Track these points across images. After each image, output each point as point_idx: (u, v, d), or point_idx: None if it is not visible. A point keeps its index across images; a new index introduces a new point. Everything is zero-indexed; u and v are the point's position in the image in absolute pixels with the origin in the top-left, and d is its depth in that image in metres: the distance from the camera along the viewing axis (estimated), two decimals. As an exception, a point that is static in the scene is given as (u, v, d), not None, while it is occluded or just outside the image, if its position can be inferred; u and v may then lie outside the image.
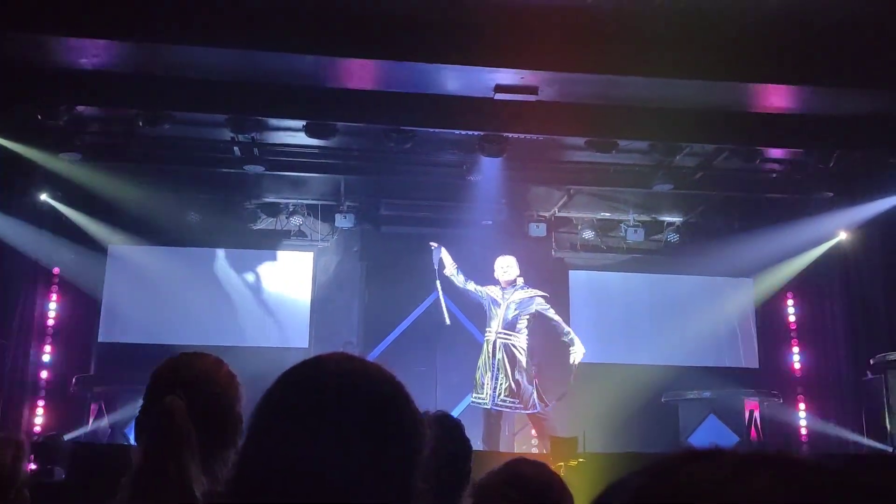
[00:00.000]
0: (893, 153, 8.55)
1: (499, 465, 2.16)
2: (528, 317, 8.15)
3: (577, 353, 8.10)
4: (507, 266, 8.33)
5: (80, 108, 8.09)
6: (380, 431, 1.06)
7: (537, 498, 2.00)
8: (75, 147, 8.73)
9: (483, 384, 8.01)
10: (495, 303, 8.23)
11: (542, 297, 8.27)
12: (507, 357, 8.01)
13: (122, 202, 9.74)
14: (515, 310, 8.17)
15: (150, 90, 7.56)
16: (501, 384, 7.97)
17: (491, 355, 8.06)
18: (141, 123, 8.13)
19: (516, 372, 8.00)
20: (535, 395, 8.06)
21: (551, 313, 8.17)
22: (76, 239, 9.69)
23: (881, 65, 7.04)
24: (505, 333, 8.09)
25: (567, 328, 8.26)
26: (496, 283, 8.32)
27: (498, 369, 7.99)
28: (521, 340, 8.12)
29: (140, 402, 1.74)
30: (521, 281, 8.30)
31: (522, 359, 8.07)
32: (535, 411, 8.07)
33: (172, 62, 7.24)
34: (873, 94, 7.41)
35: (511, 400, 7.96)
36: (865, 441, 8.86)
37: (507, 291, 8.27)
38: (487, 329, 8.21)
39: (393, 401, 1.10)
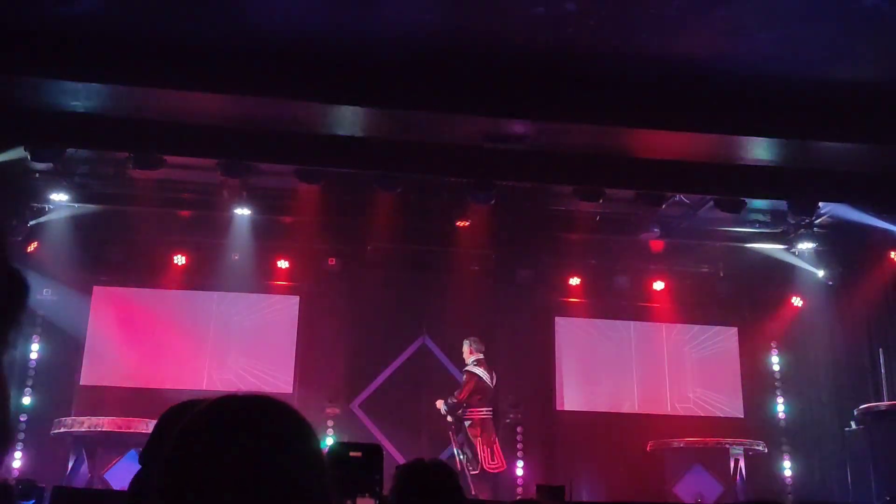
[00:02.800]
0: (874, 207, 8.67)
1: None
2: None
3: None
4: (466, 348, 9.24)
5: (70, 150, 8.10)
6: (299, 456, 1.09)
7: None
8: (64, 189, 8.74)
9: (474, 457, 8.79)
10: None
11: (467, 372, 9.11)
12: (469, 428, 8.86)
13: (109, 243, 9.71)
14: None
15: (141, 133, 7.58)
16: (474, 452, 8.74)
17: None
18: (132, 166, 8.13)
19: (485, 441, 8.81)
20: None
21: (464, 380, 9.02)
22: (61, 280, 9.59)
23: (864, 123, 7.21)
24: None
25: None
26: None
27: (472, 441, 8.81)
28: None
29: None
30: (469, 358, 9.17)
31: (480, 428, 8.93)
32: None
33: (165, 106, 7.28)
34: (853, 149, 7.57)
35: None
36: (850, 490, 8.83)
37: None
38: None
39: (300, 428, 1.12)
